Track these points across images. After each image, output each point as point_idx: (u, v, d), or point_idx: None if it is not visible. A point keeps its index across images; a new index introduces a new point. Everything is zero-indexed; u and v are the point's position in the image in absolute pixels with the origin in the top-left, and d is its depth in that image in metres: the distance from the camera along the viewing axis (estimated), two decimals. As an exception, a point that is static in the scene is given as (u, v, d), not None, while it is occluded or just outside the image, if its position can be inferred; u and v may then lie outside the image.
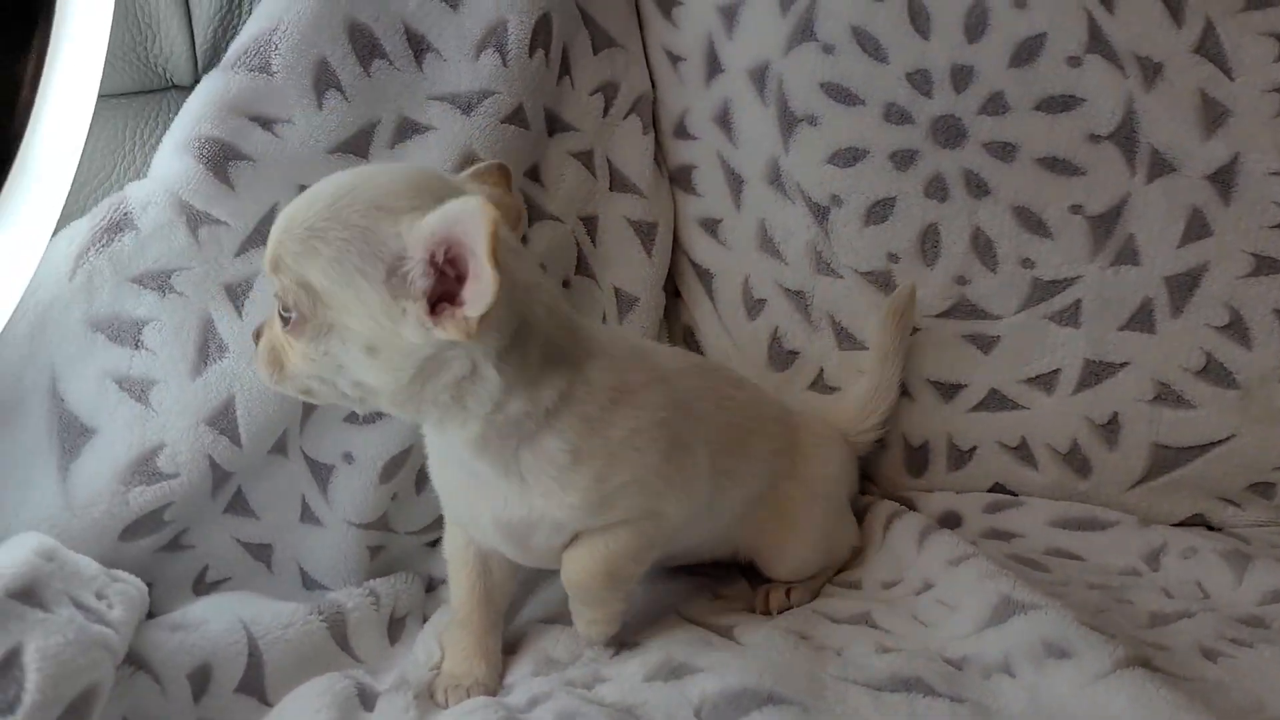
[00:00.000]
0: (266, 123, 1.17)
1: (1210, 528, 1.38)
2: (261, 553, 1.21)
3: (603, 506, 0.97)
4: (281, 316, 0.87)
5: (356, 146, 1.22)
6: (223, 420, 1.12)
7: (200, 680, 1.00)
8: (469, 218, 0.76)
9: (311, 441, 1.21)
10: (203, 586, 1.18)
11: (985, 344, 1.44)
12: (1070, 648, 0.98)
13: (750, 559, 1.27)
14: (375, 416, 1.23)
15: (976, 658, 1.03)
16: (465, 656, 1.08)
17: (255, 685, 1.04)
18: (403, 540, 1.31)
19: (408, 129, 1.25)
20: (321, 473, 1.22)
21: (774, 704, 0.93)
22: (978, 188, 1.41)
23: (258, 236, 1.16)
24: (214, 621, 1.06)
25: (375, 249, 0.81)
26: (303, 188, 1.17)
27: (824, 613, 1.18)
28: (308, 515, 1.22)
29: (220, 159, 1.14)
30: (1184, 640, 1.07)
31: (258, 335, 0.93)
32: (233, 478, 1.16)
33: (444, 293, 0.81)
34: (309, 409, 1.20)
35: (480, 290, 0.78)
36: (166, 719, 0.96)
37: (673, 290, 1.60)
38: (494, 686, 1.07)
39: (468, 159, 1.25)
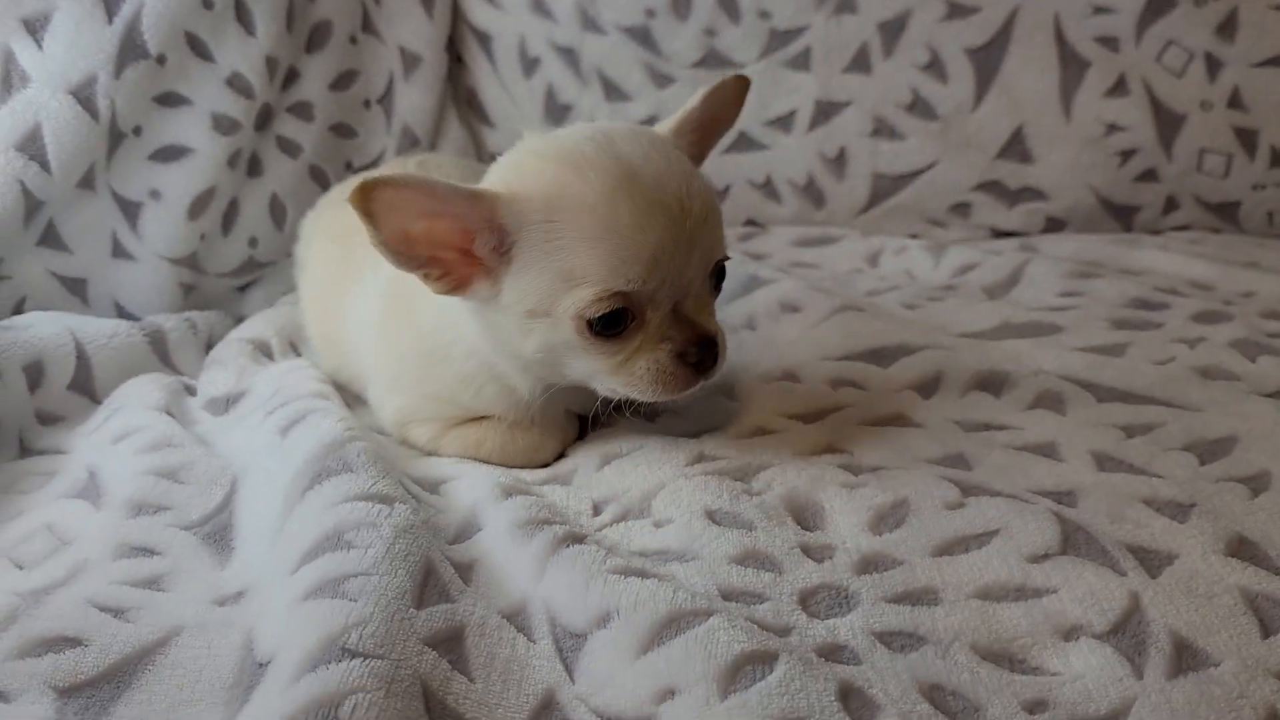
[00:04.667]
0: None
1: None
2: (77, 287, 1.29)
3: None
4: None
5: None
6: (32, 146, 1.19)
7: (35, 374, 1.09)
8: None
9: (119, 178, 1.30)
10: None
11: (732, 90, 1.62)
12: (798, 302, 1.21)
13: None
14: (179, 153, 1.32)
15: None
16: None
17: (85, 385, 1.14)
18: (213, 282, 1.41)
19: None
20: (130, 209, 1.31)
21: None
22: (718, -59, 1.59)
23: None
24: (41, 326, 1.14)
25: None
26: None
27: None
28: (119, 250, 1.31)
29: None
30: (887, 300, 1.31)
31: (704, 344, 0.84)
32: (44, 208, 1.23)
33: None
34: (114, 143, 1.27)
35: None
36: (4, 404, 1.05)
37: (455, 57, 1.72)
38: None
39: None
